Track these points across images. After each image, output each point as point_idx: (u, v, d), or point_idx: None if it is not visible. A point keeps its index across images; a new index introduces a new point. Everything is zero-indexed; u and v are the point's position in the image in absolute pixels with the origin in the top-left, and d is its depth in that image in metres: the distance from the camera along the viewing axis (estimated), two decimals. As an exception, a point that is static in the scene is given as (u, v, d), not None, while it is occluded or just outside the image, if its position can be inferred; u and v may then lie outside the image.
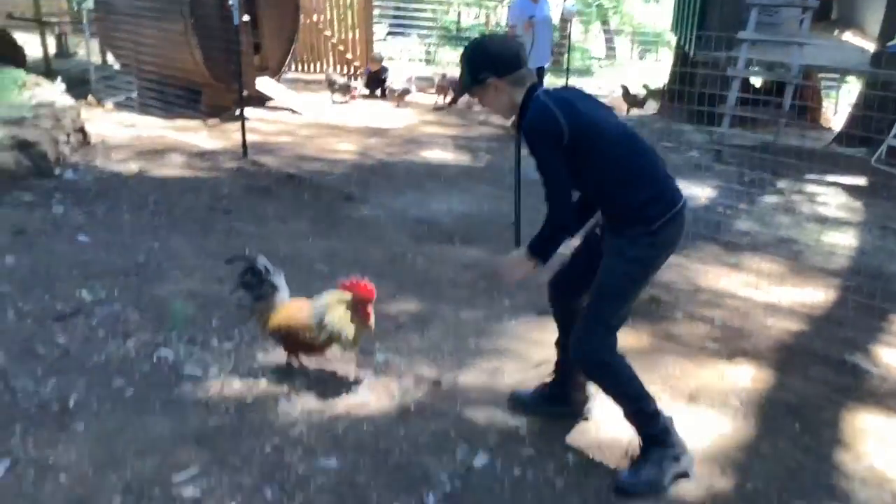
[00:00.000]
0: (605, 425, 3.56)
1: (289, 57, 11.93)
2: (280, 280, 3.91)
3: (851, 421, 3.77)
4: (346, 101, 11.95)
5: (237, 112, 10.14)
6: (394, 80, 12.40)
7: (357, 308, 3.65)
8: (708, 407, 3.78)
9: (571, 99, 3.02)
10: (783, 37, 9.67)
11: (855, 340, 4.70)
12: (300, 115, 10.75)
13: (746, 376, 4.13)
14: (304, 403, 3.62)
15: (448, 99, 12.27)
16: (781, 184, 8.25)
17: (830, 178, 8.47)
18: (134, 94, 10.36)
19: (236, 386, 3.73)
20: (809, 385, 4.08)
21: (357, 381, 3.82)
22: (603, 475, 3.20)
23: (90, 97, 10.28)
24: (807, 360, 4.36)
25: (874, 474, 3.33)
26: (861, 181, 8.50)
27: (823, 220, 7.33)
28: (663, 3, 29.42)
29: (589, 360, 3.13)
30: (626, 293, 3.08)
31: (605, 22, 26.10)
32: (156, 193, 6.71)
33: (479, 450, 3.32)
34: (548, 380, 3.67)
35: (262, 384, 3.76)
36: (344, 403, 3.64)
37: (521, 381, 3.91)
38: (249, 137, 8.39)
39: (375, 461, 3.22)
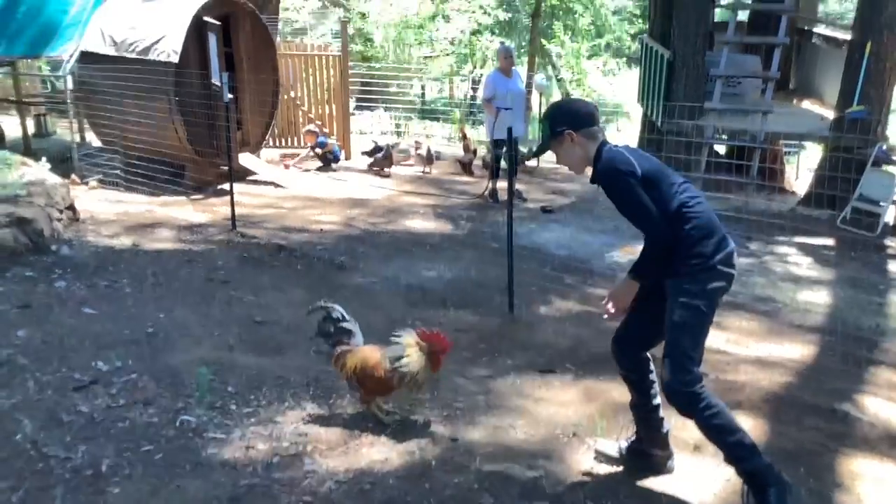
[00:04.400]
0: (622, 477, 3.73)
1: (268, 132, 12.21)
2: (355, 327, 4.25)
3: (848, 465, 3.98)
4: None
5: (219, 186, 10.40)
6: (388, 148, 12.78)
7: (431, 357, 3.96)
8: (712, 457, 3.94)
9: (635, 150, 3.47)
10: (749, 106, 10.15)
11: (841, 390, 4.94)
12: (284, 188, 10.96)
13: (745, 426, 4.28)
14: (328, 462, 3.74)
15: (427, 168, 12.73)
16: (753, 245, 8.59)
17: (799, 239, 8.84)
18: (116, 171, 10.50)
19: (260, 447, 3.85)
20: (805, 433, 4.29)
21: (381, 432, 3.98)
22: (624, 521, 3.36)
23: (73, 175, 10.39)
24: (799, 410, 4.59)
25: (875, 513, 3.54)
26: (829, 241, 8.88)
27: (796, 280, 7.65)
28: (620, 76, 30.48)
29: (682, 393, 3.30)
30: (698, 325, 3.32)
31: (567, 95, 26.86)
32: (153, 266, 6.82)
33: (503, 502, 3.46)
34: (632, 437, 3.84)
35: (285, 445, 3.88)
36: (366, 460, 3.76)
37: (532, 437, 4.09)
38: (235, 211, 8.57)
39: (406, 515, 3.34)
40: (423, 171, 12.82)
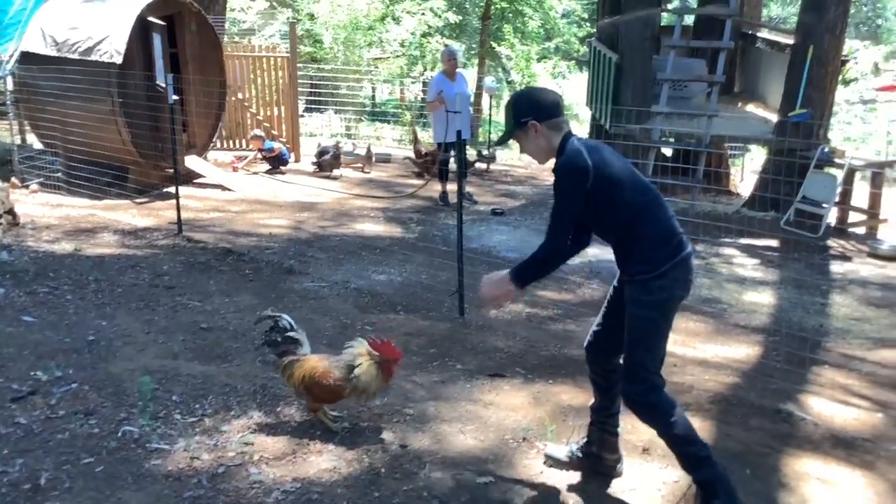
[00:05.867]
0: (572, 481, 3.73)
1: (215, 134, 12.04)
2: (302, 336, 4.19)
3: (793, 465, 4.03)
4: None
5: (165, 189, 10.23)
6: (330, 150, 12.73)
7: (382, 366, 3.93)
8: (661, 458, 3.97)
9: (600, 148, 3.33)
10: (694, 109, 10.28)
11: (786, 391, 5.01)
12: (231, 191, 10.82)
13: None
14: (275, 471, 3.68)
15: (367, 168, 13.04)
16: (699, 247, 8.69)
17: (744, 240, 8.97)
18: (58, 174, 10.26)
19: (205, 458, 3.77)
20: (751, 433, 4.34)
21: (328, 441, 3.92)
22: (573, 526, 3.36)
23: (13, 179, 10.13)
24: (745, 411, 4.64)
25: (819, 513, 3.58)
26: (773, 243, 9.02)
27: (741, 281, 7.75)
28: (569, 79, 30.73)
29: (638, 402, 3.31)
30: (652, 336, 3.30)
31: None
32: (95, 272, 6.67)
33: (452, 508, 3.44)
34: (583, 440, 3.82)
35: (230, 455, 3.81)
36: (314, 469, 3.71)
37: (482, 442, 4.07)
38: (181, 214, 8.43)
39: (354, 524, 3.30)
40: (362, 170, 12.93)
